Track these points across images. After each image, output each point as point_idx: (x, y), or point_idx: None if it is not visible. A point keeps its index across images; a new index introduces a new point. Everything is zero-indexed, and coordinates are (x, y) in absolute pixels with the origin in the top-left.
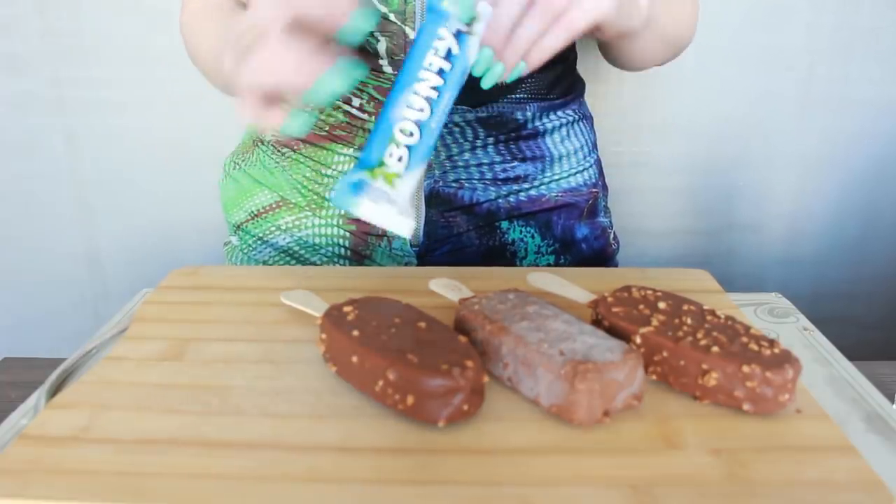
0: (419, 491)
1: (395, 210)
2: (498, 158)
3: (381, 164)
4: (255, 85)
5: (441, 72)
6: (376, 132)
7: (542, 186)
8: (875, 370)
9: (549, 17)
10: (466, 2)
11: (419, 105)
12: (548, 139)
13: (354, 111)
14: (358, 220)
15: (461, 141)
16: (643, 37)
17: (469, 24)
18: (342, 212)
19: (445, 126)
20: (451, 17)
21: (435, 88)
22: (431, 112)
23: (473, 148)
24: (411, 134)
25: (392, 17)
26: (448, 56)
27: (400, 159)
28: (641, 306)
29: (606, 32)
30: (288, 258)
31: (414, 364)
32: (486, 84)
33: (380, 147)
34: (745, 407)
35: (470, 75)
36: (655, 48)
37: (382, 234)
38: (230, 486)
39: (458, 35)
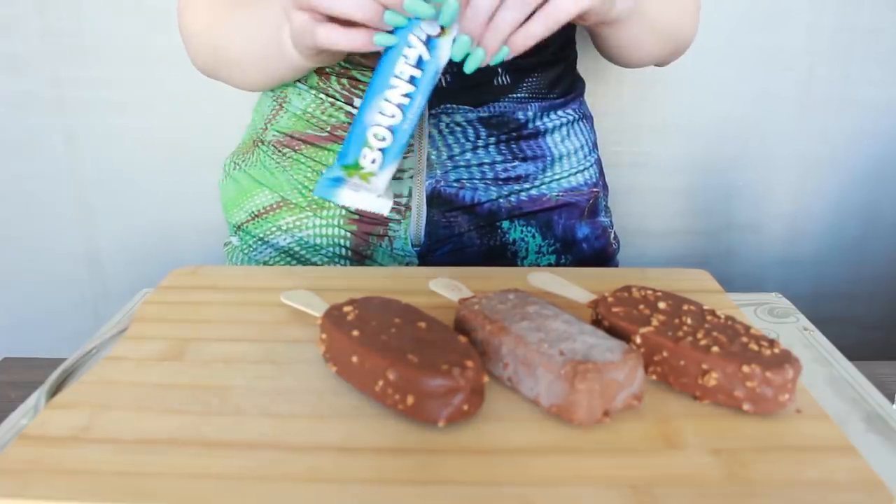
0: (419, 491)
1: (374, 195)
2: (499, 158)
3: (357, 165)
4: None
5: (412, 79)
6: (352, 133)
7: (543, 186)
8: (875, 370)
9: (528, 4)
10: (449, 9)
11: (391, 111)
12: (548, 139)
13: (355, 112)
14: (359, 221)
15: (462, 141)
16: (630, 25)
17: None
18: (343, 212)
19: (447, 126)
20: (421, 24)
21: (406, 95)
22: (403, 116)
23: (475, 148)
24: (384, 138)
25: None
26: (419, 63)
27: (374, 161)
28: (641, 306)
29: (589, 18)
30: (288, 258)
31: (414, 364)
32: (468, 69)
33: (355, 149)
34: (745, 407)
35: (466, 77)
36: (647, 39)
37: (383, 235)
38: (230, 486)
39: (429, 41)
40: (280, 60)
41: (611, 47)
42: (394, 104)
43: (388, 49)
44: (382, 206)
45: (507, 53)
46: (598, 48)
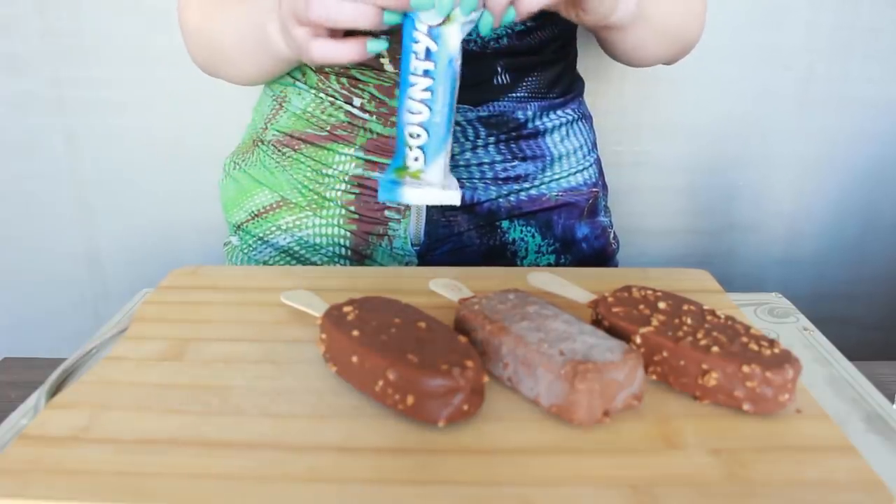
0: (419, 491)
1: (437, 188)
2: (498, 158)
3: (404, 166)
4: (324, 22)
5: (427, 72)
6: (398, 136)
7: (543, 186)
8: (875, 370)
9: None
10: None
11: (417, 109)
12: (548, 138)
13: (355, 111)
14: (358, 220)
15: (462, 140)
16: (634, 30)
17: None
18: (342, 211)
19: None
20: (420, 17)
21: (427, 89)
22: (431, 111)
23: (474, 147)
24: (418, 136)
25: None
26: (428, 55)
27: (416, 159)
28: (641, 306)
29: (588, 18)
30: (288, 258)
31: (414, 364)
32: (482, 31)
33: (399, 151)
34: (745, 407)
35: (465, 76)
36: (651, 42)
37: (383, 234)
38: (230, 486)
39: (432, 31)
40: (266, 53)
41: (616, 50)
42: (417, 101)
43: (403, 50)
44: (452, 198)
45: (513, 17)
46: (605, 50)
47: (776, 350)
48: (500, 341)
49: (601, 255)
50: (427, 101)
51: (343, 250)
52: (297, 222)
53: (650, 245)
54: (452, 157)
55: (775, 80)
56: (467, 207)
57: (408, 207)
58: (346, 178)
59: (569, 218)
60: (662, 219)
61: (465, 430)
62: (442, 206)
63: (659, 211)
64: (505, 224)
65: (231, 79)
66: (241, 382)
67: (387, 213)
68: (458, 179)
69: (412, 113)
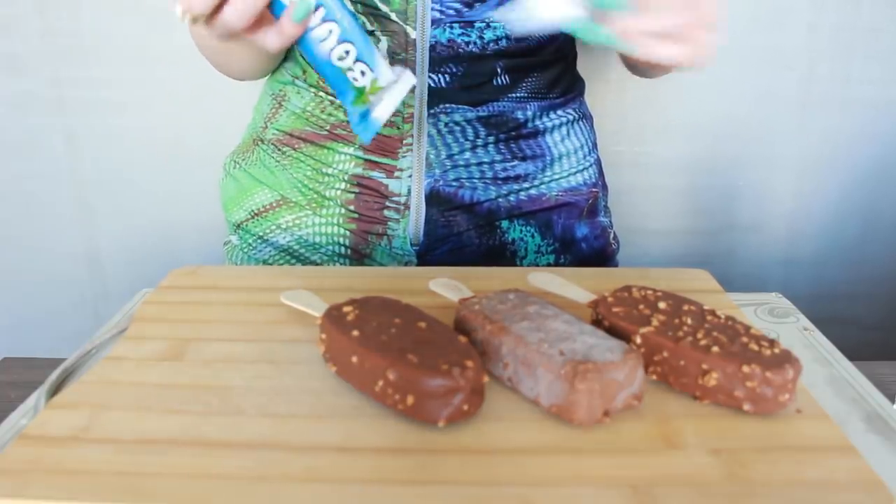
0: (419, 491)
1: (394, 87)
2: (498, 157)
3: (360, 91)
4: None
5: None
6: (332, 81)
7: (543, 186)
8: (875, 370)
9: None
10: None
11: (322, 34)
12: (548, 138)
13: None
14: (358, 220)
15: (461, 140)
16: None
17: None
18: (342, 211)
19: (445, 125)
20: None
21: (317, 7)
22: (336, 22)
23: (474, 147)
24: (347, 52)
25: (393, 16)
26: None
27: (363, 73)
28: (641, 306)
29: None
30: (288, 257)
31: (414, 364)
32: None
33: (345, 85)
34: (745, 407)
35: (465, 77)
36: None
37: (382, 234)
38: (230, 486)
39: None
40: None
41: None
42: (318, 25)
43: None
44: (406, 83)
45: None
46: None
47: (776, 350)
48: (500, 341)
49: (601, 255)
50: (325, 18)
51: (343, 249)
52: (297, 221)
53: (650, 245)
54: (451, 156)
55: (777, 81)
56: (467, 207)
57: (407, 207)
58: (346, 178)
59: (569, 218)
60: (663, 219)
61: (465, 430)
62: (442, 206)
63: (659, 211)
64: (505, 224)
65: (235, 72)
66: (240, 382)
67: (386, 212)
68: (458, 179)
69: (323, 39)
